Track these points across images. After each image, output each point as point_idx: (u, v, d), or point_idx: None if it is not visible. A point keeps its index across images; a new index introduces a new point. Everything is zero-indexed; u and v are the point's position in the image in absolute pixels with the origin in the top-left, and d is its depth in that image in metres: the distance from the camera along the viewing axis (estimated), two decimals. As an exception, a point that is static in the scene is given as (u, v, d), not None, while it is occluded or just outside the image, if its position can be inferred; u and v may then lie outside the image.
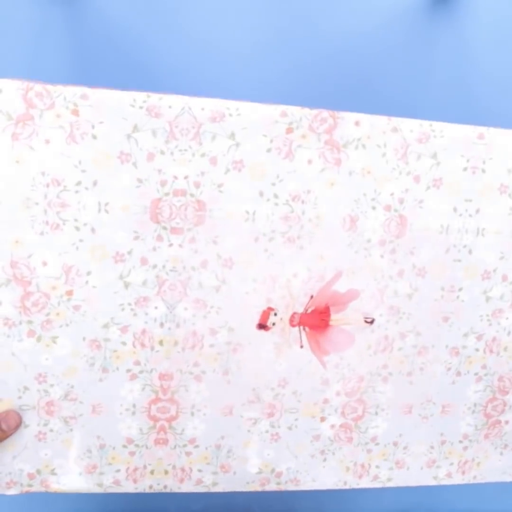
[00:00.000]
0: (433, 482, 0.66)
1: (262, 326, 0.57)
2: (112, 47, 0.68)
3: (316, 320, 0.58)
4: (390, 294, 0.59)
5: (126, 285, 0.54)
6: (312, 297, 0.58)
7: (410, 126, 0.55)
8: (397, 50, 0.73)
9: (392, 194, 0.56)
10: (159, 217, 0.53)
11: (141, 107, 0.50)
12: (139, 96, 0.50)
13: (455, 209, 0.58)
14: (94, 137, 0.50)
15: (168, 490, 0.61)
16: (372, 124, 0.55)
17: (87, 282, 0.53)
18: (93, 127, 0.50)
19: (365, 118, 0.54)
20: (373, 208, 0.56)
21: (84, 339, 0.55)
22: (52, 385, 0.55)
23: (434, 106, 0.73)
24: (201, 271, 0.55)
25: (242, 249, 0.55)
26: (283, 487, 0.63)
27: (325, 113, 0.54)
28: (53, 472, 0.58)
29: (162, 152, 0.52)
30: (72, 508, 0.56)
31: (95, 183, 0.51)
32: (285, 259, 0.56)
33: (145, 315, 0.55)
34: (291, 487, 0.63)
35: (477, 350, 0.63)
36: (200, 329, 0.56)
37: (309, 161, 0.54)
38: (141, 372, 0.57)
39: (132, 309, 0.55)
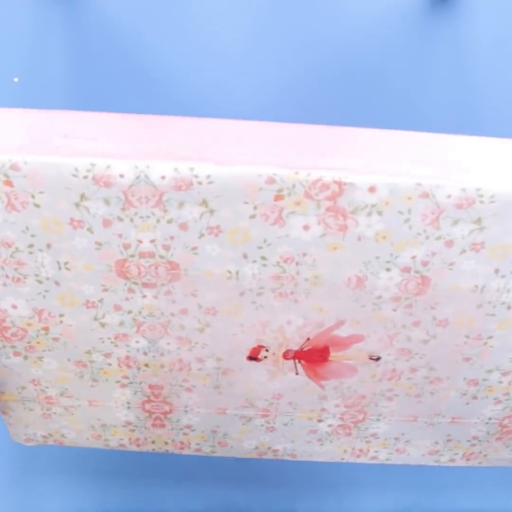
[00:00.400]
0: (434, 464, 0.66)
1: (252, 358, 0.54)
2: (112, 47, 0.66)
3: (314, 356, 0.53)
4: (401, 339, 0.52)
5: (102, 325, 0.51)
6: (308, 339, 0.52)
7: (448, 191, 0.41)
8: (396, 49, 0.72)
9: (413, 258, 0.45)
10: (127, 274, 0.47)
11: (85, 177, 0.40)
12: (81, 165, 0.40)
13: (496, 271, 0.46)
14: (37, 205, 0.42)
15: (169, 452, 0.65)
16: (393, 189, 0.41)
17: (61, 321, 0.50)
18: (33, 196, 0.42)
19: (383, 182, 0.41)
20: (387, 269, 0.46)
21: (69, 360, 0.54)
22: (47, 387, 0.57)
23: (433, 106, 0.70)
24: (182, 316, 0.50)
25: (226, 301, 0.49)
26: (280, 458, 0.66)
27: (327, 178, 0.41)
28: (63, 436, 0.63)
29: (120, 219, 0.43)
30: (72, 508, 0.61)
31: (49, 246, 0.45)
32: (277, 310, 0.49)
33: (126, 346, 0.53)
34: (287, 458, 0.66)
35: (500, 382, 0.56)
36: (186, 357, 0.54)
37: (305, 227, 0.43)
38: (130, 383, 0.57)
39: (112, 342, 0.52)
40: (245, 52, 0.71)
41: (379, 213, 0.42)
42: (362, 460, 0.66)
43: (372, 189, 0.41)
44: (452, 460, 0.66)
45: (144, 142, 0.42)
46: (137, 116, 0.43)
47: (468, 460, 0.66)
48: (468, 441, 0.63)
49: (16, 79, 0.64)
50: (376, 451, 0.64)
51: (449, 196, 0.41)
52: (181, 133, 0.42)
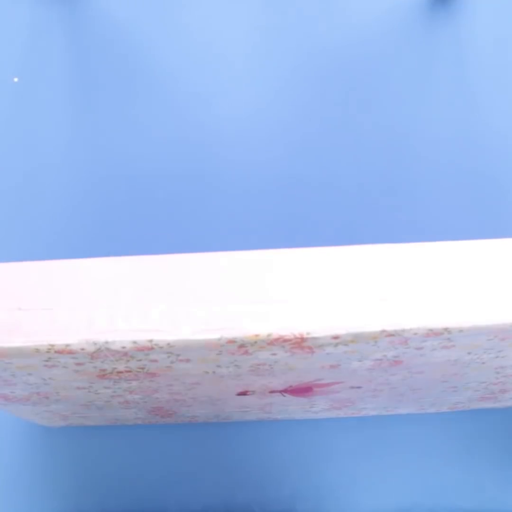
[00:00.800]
0: (417, 411, 0.73)
1: (241, 394, 0.57)
2: (113, 47, 0.66)
3: (298, 392, 0.57)
4: (380, 381, 0.54)
5: (97, 393, 0.54)
6: (291, 386, 0.55)
7: (414, 331, 0.41)
8: (396, 50, 0.71)
9: (384, 356, 0.46)
10: (109, 377, 0.49)
11: (48, 352, 0.41)
12: (41, 347, 0.40)
13: (469, 353, 0.47)
14: (9, 363, 0.43)
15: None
16: (358, 335, 0.40)
17: (58, 393, 0.54)
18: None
19: (346, 333, 0.40)
20: (359, 361, 0.47)
21: (73, 404, 0.59)
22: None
23: (433, 107, 0.70)
24: (168, 386, 0.53)
25: (207, 381, 0.51)
26: (276, 418, 0.73)
27: (288, 335, 0.40)
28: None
29: (91, 362, 0.44)
30: (72, 508, 0.63)
31: (30, 374, 0.46)
32: (258, 380, 0.52)
33: (123, 398, 0.57)
34: (282, 418, 0.73)
35: (477, 387, 0.59)
36: (180, 397, 0.58)
37: (273, 354, 0.44)
38: (132, 408, 0.61)
39: (107, 400, 0.56)
40: (245, 53, 0.71)
41: (346, 344, 0.42)
42: (353, 415, 0.72)
43: (335, 338, 0.40)
44: (437, 409, 0.72)
45: (98, 308, 0.41)
46: (88, 266, 0.41)
47: (452, 409, 0.72)
48: (452, 404, 0.69)
49: (16, 79, 0.63)
50: (366, 413, 0.71)
51: (416, 334, 0.41)
52: (131, 295, 0.41)
